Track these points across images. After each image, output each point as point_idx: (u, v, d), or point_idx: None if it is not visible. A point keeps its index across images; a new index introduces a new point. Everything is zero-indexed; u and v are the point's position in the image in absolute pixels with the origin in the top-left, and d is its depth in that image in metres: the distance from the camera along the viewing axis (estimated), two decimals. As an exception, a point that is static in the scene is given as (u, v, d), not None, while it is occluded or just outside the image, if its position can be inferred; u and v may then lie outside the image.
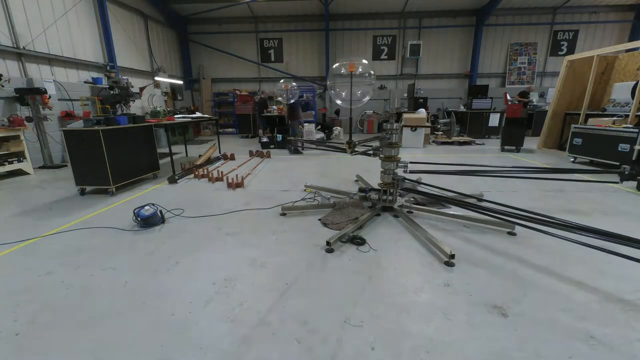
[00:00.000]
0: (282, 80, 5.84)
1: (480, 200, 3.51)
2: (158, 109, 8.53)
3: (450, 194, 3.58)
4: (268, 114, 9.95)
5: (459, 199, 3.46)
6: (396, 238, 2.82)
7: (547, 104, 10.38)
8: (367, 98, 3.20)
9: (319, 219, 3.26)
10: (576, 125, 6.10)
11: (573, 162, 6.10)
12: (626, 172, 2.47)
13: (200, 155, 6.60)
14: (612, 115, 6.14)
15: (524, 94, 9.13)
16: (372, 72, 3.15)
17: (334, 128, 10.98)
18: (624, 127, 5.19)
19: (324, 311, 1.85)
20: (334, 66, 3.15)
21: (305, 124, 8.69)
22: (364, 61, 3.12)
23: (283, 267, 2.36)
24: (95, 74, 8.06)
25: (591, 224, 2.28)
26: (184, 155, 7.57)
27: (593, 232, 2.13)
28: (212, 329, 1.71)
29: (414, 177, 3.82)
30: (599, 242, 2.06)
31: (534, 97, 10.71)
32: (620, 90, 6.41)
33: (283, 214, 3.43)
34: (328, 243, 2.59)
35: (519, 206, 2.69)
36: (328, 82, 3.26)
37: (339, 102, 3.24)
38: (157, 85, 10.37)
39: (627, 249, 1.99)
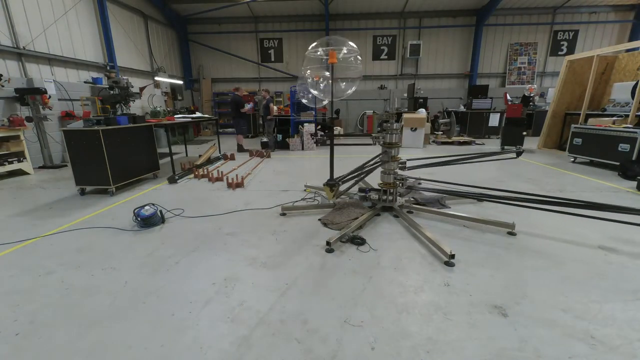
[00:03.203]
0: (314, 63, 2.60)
1: (481, 198, 3.52)
2: (158, 109, 8.53)
3: (452, 191, 3.60)
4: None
5: (463, 192, 3.51)
6: (396, 238, 2.82)
7: (547, 104, 10.39)
8: None
9: (319, 219, 3.26)
10: (576, 125, 6.10)
11: (573, 162, 6.10)
12: (521, 150, 3.26)
13: (200, 155, 6.60)
14: (612, 115, 6.14)
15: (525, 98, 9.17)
16: None
17: (334, 128, 10.98)
18: (624, 127, 5.19)
19: (324, 311, 1.85)
20: None
21: (305, 124, 8.68)
22: None
23: (283, 267, 2.36)
24: (95, 74, 8.05)
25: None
26: (184, 155, 7.57)
27: (593, 208, 2.22)
28: (212, 329, 1.71)
29: (411, 176, 3.81)
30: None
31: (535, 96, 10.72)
32: (620, 90, 6.41)
33: (283, 214, 3.43)
34: (328, 243, 2.59)
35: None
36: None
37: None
38: (157, 85, 10.37)
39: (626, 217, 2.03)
